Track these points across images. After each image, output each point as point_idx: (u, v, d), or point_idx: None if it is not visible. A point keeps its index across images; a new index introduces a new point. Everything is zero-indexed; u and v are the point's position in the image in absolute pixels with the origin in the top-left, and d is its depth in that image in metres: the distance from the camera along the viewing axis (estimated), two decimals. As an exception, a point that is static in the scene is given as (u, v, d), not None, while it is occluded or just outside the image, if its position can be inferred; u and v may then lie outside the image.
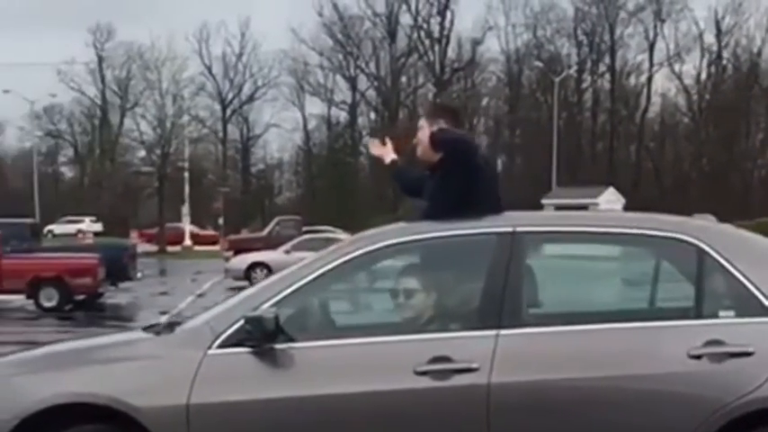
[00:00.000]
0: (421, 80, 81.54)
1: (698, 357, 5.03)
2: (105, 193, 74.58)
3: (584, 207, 46.79)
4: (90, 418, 5.23)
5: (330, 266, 5.42)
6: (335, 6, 79.09)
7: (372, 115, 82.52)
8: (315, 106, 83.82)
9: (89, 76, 78.88)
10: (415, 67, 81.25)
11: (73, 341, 6.31)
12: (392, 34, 79.36)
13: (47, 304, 22.53)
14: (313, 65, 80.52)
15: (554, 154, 61.65)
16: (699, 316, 5.20)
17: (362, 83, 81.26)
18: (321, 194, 76.13)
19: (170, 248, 56.82)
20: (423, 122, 5.93)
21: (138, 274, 27.51)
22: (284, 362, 5.17)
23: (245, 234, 53.87)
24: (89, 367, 5.36)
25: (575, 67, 77.06)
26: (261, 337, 5.13)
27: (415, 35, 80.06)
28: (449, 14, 79.51)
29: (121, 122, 75.40)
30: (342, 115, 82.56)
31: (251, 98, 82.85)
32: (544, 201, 52.25)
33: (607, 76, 78.93)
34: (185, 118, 62.37)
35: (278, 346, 5.16)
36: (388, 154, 6.33)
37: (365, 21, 79.70)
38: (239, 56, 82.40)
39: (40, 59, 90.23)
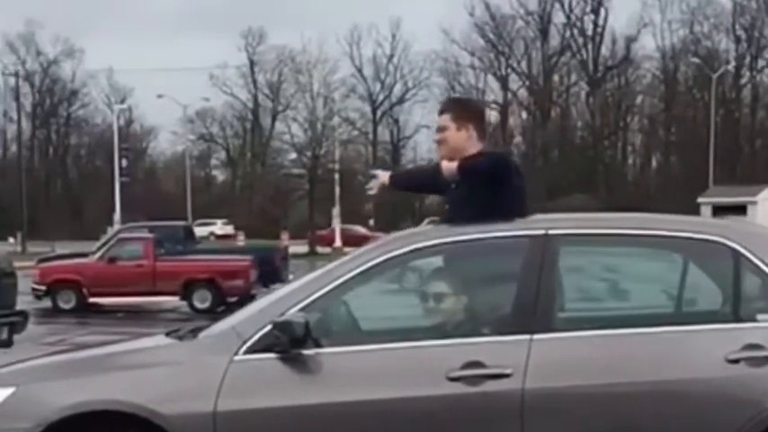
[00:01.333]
0: (573, 78, 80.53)
1: (736, 362, 4.95)
2: (256, 195, 75.34)
3: (742, 206, 45.35)
4: (113, 425, 5.12)
5: (360, 270, 5.32)
6: (487, 6, 78.73)
7: (524, 115, 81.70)
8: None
9: (241, 79, 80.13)
10: (567, 65, 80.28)
11: (97, 347, 6.17)
12: (544, 33, 78.48)
13: (200, 306, 22.64)
14: (464, 65, 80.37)
15: (711, 152, 60.07)
16: (736, 319, 5.14)
17: (514, 82, 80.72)
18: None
19: (320, 250, 56.92)
20: (449, 123, 5.68)
21: (290, 276, 27.41)
22: (313, 368, 5.08)
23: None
24: (113, 374, 5.27)
25: (733, 63, 74.73)
26: (290, 342, 5.04)
27: (568, 33, 79.07)
28: (603, 12, 78.40)
29: (272, 125, 76.11)
30: (492, 115, 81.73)
31: (401, 99, 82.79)
32: (700, 200, 50.72)
33: (767, 71, 76.48)
34: (336, 120, 62.41)
35: (306, 352, 5.06)
36: (382, 178, 6.06)
37: (517, 20, 79.15)
38: (390, 57, 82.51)
39: (192, 64, 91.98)
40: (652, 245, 5.48)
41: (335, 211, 62.98)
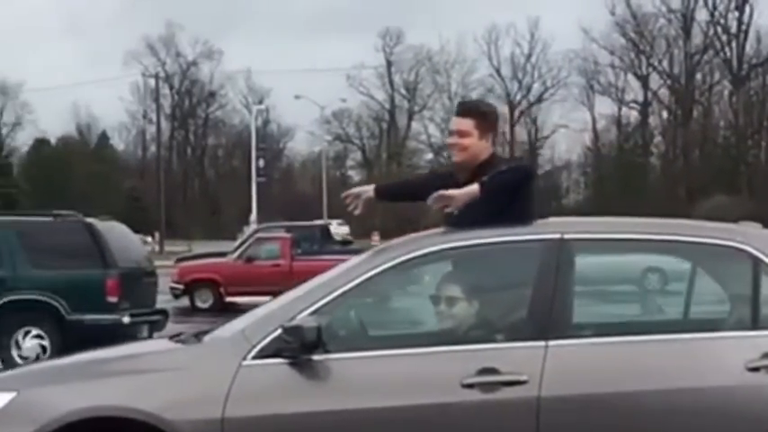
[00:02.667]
0: (717, 77, 78.22)
1: (756, 370, 4.86)
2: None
3: None
4: (117, 430, 4.98)
5: (371, 274, 5.19)
6: (628, 4, 76.92)
7: (665, 114, 79.87)
8: (605, 106, 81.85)
9: (378, 80, 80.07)
10: (710, 63, 78.04)
11: (100, 350, 5.95)
12: (687, 31, 76.51)
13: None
14: (603, 64, 78.72)
15: None
16: (756, 327, 5.04)
17: (654, 81, 78.75)
18: (609, 196, 73.99)
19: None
20: (473, 129, 5.53)
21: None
22: (324, 374, 4.96)
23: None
24: (118, 379, 5.11)
25: None
26: (300, 347, 4.90)
27: (712, 31, 76.88)
28: (747, 9, 75.83)
29: (409, 126, 75.99)
30: (632, 115, 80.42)
31: (539, 99, 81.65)
32: None
33: None
34: (473, 120, 61.69)
35: (317, 358, 4.93)
36: (367, 193, 5.82)
37: (659, 18, 77.30)
38: (528, 57, 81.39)
39: (330, 65, 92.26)
40: (668, 250, 5.42)
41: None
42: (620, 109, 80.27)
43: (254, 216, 55.75)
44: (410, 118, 75.15)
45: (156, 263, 18.21)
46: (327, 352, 4.94)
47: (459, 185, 5.39)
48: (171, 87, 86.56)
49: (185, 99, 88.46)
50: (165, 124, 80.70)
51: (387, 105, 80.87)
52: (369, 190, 5.86)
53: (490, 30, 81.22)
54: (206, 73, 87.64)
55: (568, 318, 5.07)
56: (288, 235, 26.11)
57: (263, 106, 78.51)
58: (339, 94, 73.16)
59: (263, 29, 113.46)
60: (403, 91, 78.27)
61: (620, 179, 74.64)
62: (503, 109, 78.52)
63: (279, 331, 4.98)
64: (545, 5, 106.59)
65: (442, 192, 5.26)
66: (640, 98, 79.34)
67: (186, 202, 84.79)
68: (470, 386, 4.84)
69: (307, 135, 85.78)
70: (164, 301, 19.19)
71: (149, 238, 59.79)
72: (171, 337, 5.68)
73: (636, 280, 5.83)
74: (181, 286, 24.31)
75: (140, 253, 16.51)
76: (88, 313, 13.53)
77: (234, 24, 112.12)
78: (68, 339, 13.21)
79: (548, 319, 4.99)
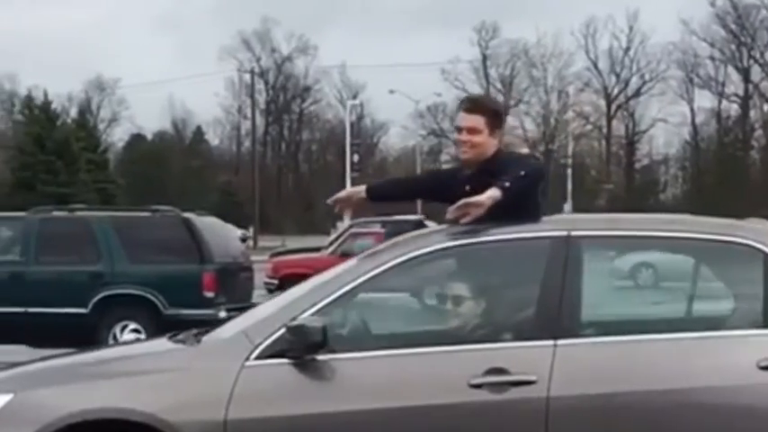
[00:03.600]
0: (821, 69, 76.29)
1: None
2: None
3: None
4: None
5: (377, 271, 5.10)
6: (729, -5, 75.27)
7: (766, 107, 78.06)
8: (704, 99, 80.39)
9: (473, 74, 79.49)
10: (814, 55, 76.12)
11: (99, 350, 5.92)
12: (789, 21, 74.66)
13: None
14: (703, 56, 77.19)
15: None
16: (767, 325, 4.96)
17: (756, 74, 76.78)
18: (708, 190, 72.71)
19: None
20: (483, 127, 5.47)
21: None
22: (329, 374, 4.89)
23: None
24: (117, 380, 5.02)
25: None
26: (305, 347, 4.82)
27: (815, 21, 74.94)
28: None
29: (504, 120, 75.25)
30: (733, 108, 78.76)
31: (637, 93, 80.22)
32: None
33: None
34: (569, 114, 61.13)
35: (321, 358, 4.85)
36: (357, 194, 5.80)
37: (761, 9, 75.45)
38: (626, 50, 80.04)
39: (424, 59, 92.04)
40: (677, 247, 5.36)
41: (567, 206, 61.62)
42: (719, 102, 78.70)
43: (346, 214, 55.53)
44: (505, 112, 74.49)
45: (251, 258, 18.09)
46: (332, 352, 4.87)
47: (466, 181, 5.41)
48: (266, 83, 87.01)
49: (280, 94, 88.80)
50: (259, 119, 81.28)
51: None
52: (360, 191, 5.80)
53: (588, 22, 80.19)
54: (301, 68, 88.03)
55: (577, 316, 4.99)
56: (382, 230, 25.86)
57: (357, 101, 78.75)
58: (434, 89, 73.07)
59: (358, 23, 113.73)
60: (498, 85, 77.58)
61: (720, 174, 73.41)
62: (599, 103, 77.75)
63: (282, 331, 4.90)
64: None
65: (466, 200, 5.14)
66: (741, 91, 77.71)
67: (280, 197, 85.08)
68: (478, 386, 4.77)
69: (401, 130, 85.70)
70: (258, 296, 19.07)
71: (248, 232, 60.21)
72: (170, 337, 5.57)
73: (644, 277, 5.90)
74: (275, 281, 24.29)
75: (237, 248, 16.41)
76: (185, 308, 13.40)
77: (329, 19, 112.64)
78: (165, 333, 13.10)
79: (556, 317, 4.92)
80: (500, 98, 76.03)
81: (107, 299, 13.88)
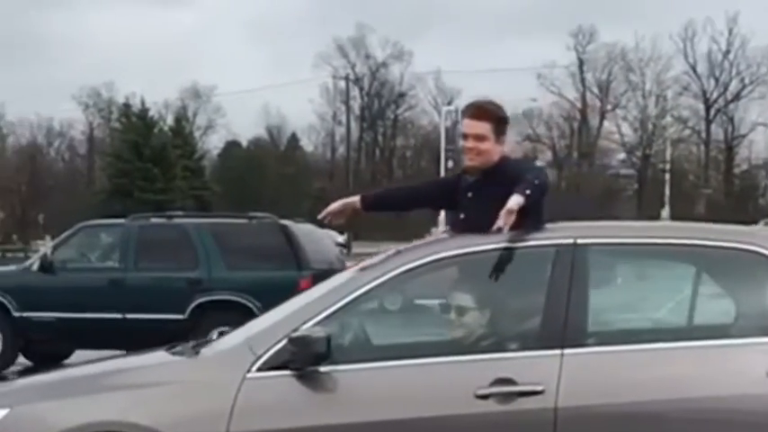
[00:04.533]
0: None
1: None
2: (582, 196, 73.98)
3: None
4: None
5: (380, 281, 5.05)
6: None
7: None
8: (806, 103, 78.64)
9: (569, 79, 78.66)
10: None
11: (96, 363, 5.82)
12: None
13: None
14: (803, 59, 75.26)
15: None
16: None
17: None
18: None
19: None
20: (490, 134, 5.49)
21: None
22: (333, 386, 4.82)
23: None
24: (115, 394, 4.96)
25: None
26: (308, 359, 4.76)
27: None
28: None
29: (600, 125, 74.69)
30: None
31: (737, 96, 78.48)
32: None
33: None
34: (667, 119, 60.17)
35: (324, 369, 4.79)
36: (350, 205, 5.80)
37: None
38: (726, 53, 78.38)
39: (520, 64, 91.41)
40: (685, 254, 5.24)
41: (665, 212, 60.82)
42: (821, 105, 76.72)
43: (442, 217, 55.44)
44: (602, 117, 73.70)
45: (346, 264, 17.96)
46: (335, 363, 4.81)
47: (468, 189, 5.45)
48: (360, 89, 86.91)
49: (375, 100, 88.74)
50: (354, 126, 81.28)
51: (578, 104, 79.36)
52: (354, 201, 5.80)
53: (686, 26, 78.75)
54: (396, 74, 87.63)
55: (584, 325, 4.94)
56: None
57: (452, 107, 78.19)
58: (529, 94, 72.25)
59: (453, 29, 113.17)
60: (595, 89, 76.74)
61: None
62: (698, 107, 76.49)
63: (284, 342, 4.83)
64: (744, 0, 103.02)
65: (504, 211, 5.07)
66: None
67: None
68: (485, 397, 4.72)
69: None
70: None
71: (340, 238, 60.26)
72: (168, 349, 5.49)
73: (652, 285, 5.65)
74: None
75: (333, 254, 16.31)
76: (282, 314, 13.32)
77: (424, 25, 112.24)
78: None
79: (563, 326, 4.87)
80: (596, 103, 75.43)
81: (204, 305, 13.93)
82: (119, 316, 13.91)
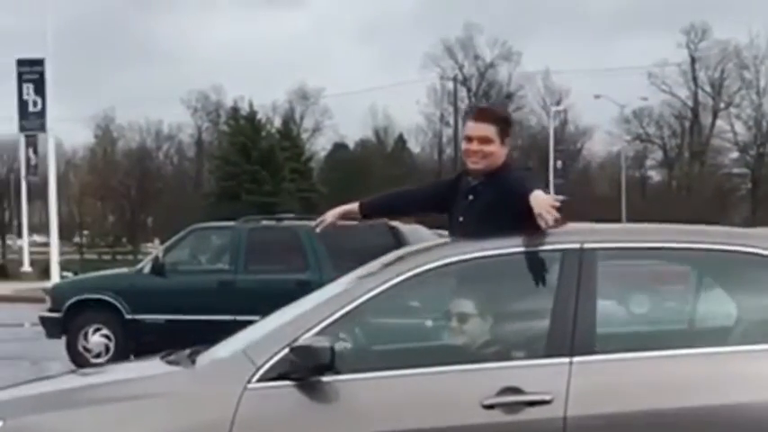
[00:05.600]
0: None
1: None
2: (694, 196, 72.74)
3: None
4: None
5: (384, 287, 4.92)
6: None
7: None
8: None
9: (680, 77, 77.34)
10: None
11: (91, 374, 5.69)
12: None
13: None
14: None
15: None
16: None
17: None
18: None
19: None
20: (495, 136, 5.45)
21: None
22: (335, 396, 4.67)
23: None
24: (113, 405, 4.77)
25: None
26: (311, 369, 4.61)
27: None
28: None
29: (713, 123, 73.29)
30: None
31: None
32: None
33: None
34: (784, 116, 58.63)
35: (326, 379, 4.65)
36: (347, 212, 5.86)
37: None
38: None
39: (630, 63, 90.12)
40: (694, 259, 5.13)
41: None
42: None
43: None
44: (715, 115, 72.25)
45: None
46: (337, 373, 4.68)
47: (469, 192, 5.39)
48: (468, 90, 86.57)
49: (482, 101, 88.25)
50: (461, 127, 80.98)
51: (690, 103, 78.00)
52: (353, 208, 5.81)
53: (802, 21, 77.10)
54: (504, 74, 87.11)
55: (592, 332, 4.79)
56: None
57: (561, 107, 77.67)
58: (639, 93, 71.47)
59: (562, 28, 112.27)
60: (707, 88, 75.27)
61: None
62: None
63: (285, 351, 4.69)
64: None
65: (548, 205, 4.95)
66: None
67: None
68: (492, 407, 4.59)
69: (605, 135, 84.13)
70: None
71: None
72: (162, 357, 5.37)
73: (662, 290, 5.43)
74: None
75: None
76: (389, 315, 13.21)
77: (533, 24, 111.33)
78: None
79: (571, 334, 4.75)
80: (708, 101, 74.02)
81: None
82: (229, 318, 13.90)
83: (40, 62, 35.40)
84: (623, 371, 4.71)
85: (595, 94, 65.40)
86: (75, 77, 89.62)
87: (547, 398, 4.60)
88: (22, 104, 36.39)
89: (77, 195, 78.83)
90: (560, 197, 5.05)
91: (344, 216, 5.79)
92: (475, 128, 5.49)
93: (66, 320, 15.59)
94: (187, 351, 5.41)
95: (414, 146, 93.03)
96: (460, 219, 5.43)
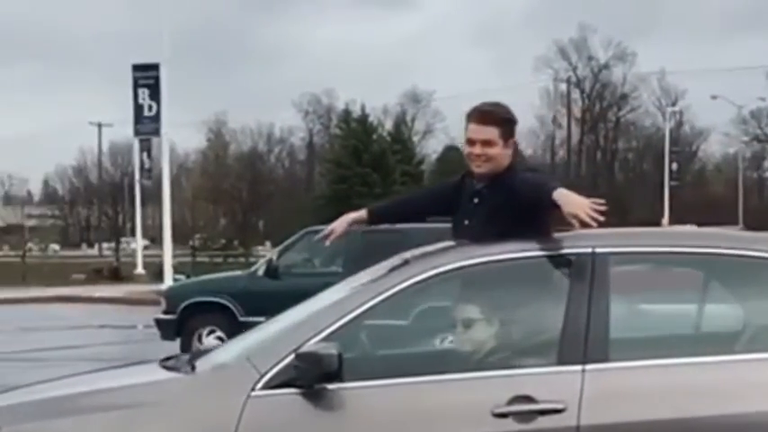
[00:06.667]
0: None
1: None
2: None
3: None
4: None
5: (391, 292, 4.78)
6: None
7: None
8: None
9: (802, 76, 75.51)
10: None
11: (88, 380, 5.39)
12: None
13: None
14: None
15: None
16: None
17: None
18: None
19: None
20: (497, 138, 5.24)
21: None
22: (341, 405, 4.53)
23: None
24: (110, 414, 4.60)
25: None
26: (317, 376, 4.46)
27: None
28: None
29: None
30: None
31: None
32: None
33: None
34: None
35: (331, 387, 4.50)
36: (354, 220, 5.58)
37: None
38: None
39: (748, 63, 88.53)
40: (709, 264, 4.97)
41: None
42: None
43: (665, 221, 54.44)
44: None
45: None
46: (343, 380, 4.52)
47: (474, 195, 5.24)
48: (581, 91, 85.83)
49: (596, 103, 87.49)
50: (574, 129, 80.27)
51: (810, 103, 76.24)
52: (361, 215, 5.61)
53: None
54: (618, 76, 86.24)
55: (605, 339, 4.65)
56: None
57: (677, 108, 76.44)
58: (758, 93, 70.12)
59: (678, 28, 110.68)
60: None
61: None
62: None
63: (291, 358, 4.54)
64: None
65: (587, 207, 4.77)
66: None
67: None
68: (503, 416, 4.45)
69: (721, 136, 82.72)
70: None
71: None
72: (161, 363, 5.23)
73: (676, 296, 5.30)
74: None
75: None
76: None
77: (648, 24, 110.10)
78: None
79: (583, 340, 4.61)
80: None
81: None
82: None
83: (155, 67, 35.71)
84: (638, 379, 4.58)
85: (712, 95, 64.41)
86: (189, 81, 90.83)
87: (559, 407, 4.48)
88: (138, 109, 36.81)
89: (190, 199, 79.91)
90: (600, 201, 4.82)
91: (353, 224, 5.60)
92: (477, 130, 5.29)
93: (180, 323, 15.66)
94: (186, 356, 5.25)
95: (525, 148, 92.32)
96: (466, 222, 5.28)
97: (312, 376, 4.49)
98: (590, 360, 4.58)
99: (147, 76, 36.53)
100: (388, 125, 79.69)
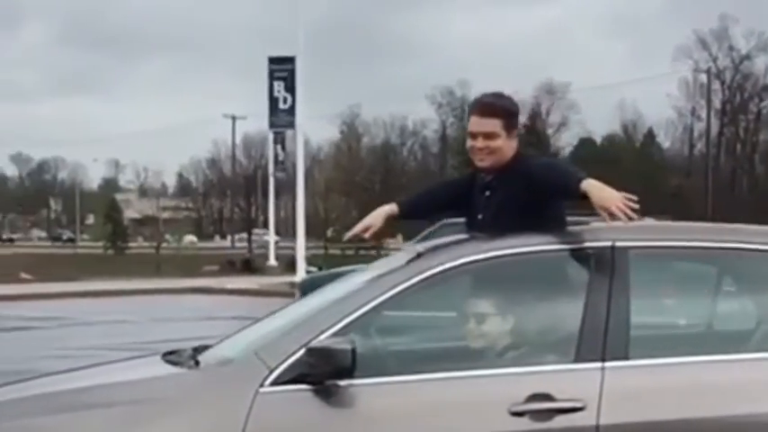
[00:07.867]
0: None
1: None
2: None
3: None
4: None
5: (403, 286, 4.59)
6: None
7: None
8: None
9: None
10: None
11: (86, 376, 5.15)
12: None
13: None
14: None
15: None
16: None
17: None
18: None
19: None
20: (500, 130, 5.09)
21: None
22: (353, 402, 4.34)
23: None
24: (112, 411, 4.40)
25: None
26: (329, 372, 4.28)
27: None
28: None
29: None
30: None
31: None
32: None
33: None
34: None
35: (343, 383, 4.31)
36: (385, 213, 5.35)
37: None
38: None
39: None
40: (732, 259, 4.85)
41: None
42: None
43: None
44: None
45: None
46: (355, 377, 4.37)
47: (485, 188, 5.16)
48: (722, 82, 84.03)
49: (737, 94, 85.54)
50: (713, 120, 78.54)
51: None
52: (392, 209, 5.41)
53: None
54: (760, 66, 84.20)
55: (626, 336, 4.54)
56: None
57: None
58: None
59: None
60: None
61: None
62: None
63: (301, 353, 4.40)
64: None
65: (621, 201, 4.65)
66: None
67: (734, 200, 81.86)
68: (520, 414, 4.35)
69: None
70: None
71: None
72: (164, 356, 5.08)
73: (699, 292, 5.17)
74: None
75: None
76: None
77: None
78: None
79: (603, 337, 4.51)
80: None
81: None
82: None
83: (291, 60, 35.89)
84: (658, 377, 4.49)
85: None
86: (322, 74, 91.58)
87: (578, 405, 4.39)
88: (273, 101, 37.05)
89: (323, 191, 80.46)
90: (632, 197, 4.68)
91: (381, 218, 5.37)
92: (479, 123, 5.16)
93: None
94: (189, 350, 5.15)
95: (663, 140, 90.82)
96: (479, 216, 5.19)
97: (324, 372, 4.35)
98: (610, 357, 4.49)
99: (282, 69, 36.73)
100: (523, 118, 79.05)
